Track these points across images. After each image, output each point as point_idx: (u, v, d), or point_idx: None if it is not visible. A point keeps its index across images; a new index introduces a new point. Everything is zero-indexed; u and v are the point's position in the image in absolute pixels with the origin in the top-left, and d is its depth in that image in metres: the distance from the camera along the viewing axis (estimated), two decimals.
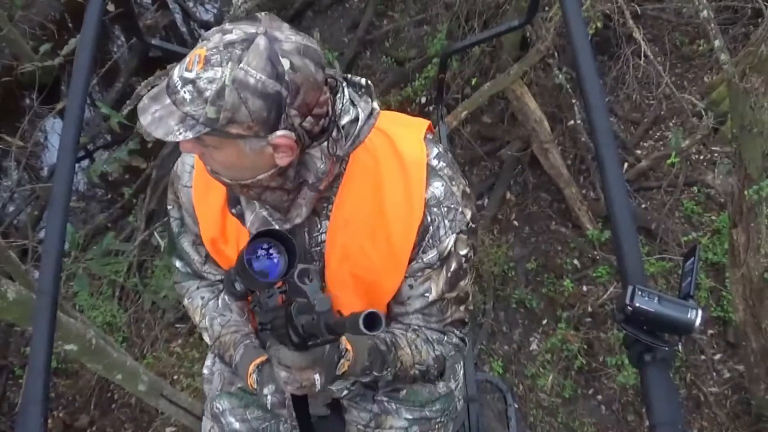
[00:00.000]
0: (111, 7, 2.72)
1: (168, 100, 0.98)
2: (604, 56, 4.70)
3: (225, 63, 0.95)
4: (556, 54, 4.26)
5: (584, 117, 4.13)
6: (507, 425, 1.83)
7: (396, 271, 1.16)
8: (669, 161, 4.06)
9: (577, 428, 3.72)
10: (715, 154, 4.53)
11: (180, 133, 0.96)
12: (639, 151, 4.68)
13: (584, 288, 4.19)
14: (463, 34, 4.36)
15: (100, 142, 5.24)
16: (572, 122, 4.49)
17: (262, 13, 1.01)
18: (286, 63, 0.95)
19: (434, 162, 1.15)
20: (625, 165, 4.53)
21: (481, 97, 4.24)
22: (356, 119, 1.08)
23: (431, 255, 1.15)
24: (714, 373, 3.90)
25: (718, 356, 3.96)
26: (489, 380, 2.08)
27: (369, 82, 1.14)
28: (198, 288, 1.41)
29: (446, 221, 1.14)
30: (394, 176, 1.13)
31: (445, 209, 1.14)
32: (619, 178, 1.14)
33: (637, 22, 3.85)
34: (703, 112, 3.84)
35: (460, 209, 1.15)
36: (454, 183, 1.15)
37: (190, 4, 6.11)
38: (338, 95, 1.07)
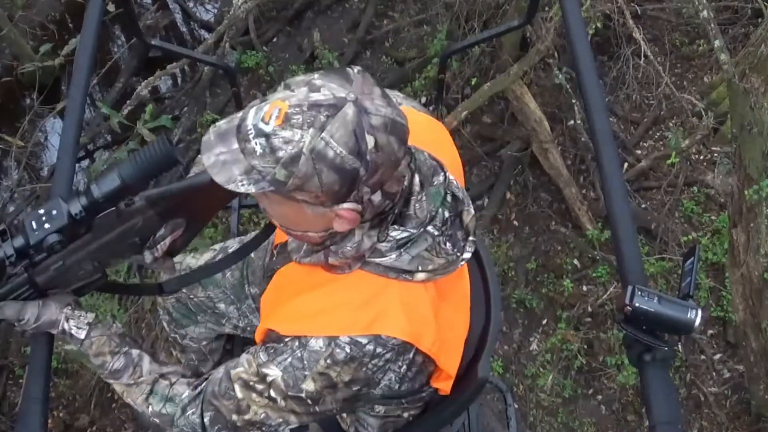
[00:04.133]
0: (111, 7, 2.71)
1: (236, 145, 0.92)
2: (604, 56, 4.70)
3: (306, 127, 0.89)
4: (556, 54, 4.26)
5: (584, 117, 4.13)
6: (507, 425, 1.82)
7: (259, 330, 1.12)
8: (669, 161, 4.06)
9: (576, 428, 3.72)
10: (715, 154, 4.52)
11: (242, 185, 0.92)
12: (639, 151, 4.68)
13: (584, 288, 4.19)
14: (463, 34, 4.36)
15: (100, 142, 5.23)
16: (572, 122, 4.49)
17: (356, 70, 0.94)
18: (370, 141, 0.90)
19: (341, 348, 1.01)
20: (625, 165, 4.53)
21: (481, 97, 4.23)
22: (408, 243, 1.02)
23: (262, 355, 1.05)
24: (714, 373, 3.91)
25: (717, 356, 3.96)
26: (489, 380, 2.07)
27: (471, 240, 1.07)
28: None
29: (290, 360, 1.03)
30: (324, 301, 1.05)
31: (298, 355, 1.02)
32: (619, 178, 1.15)
33: (637, 22, 3.86)
34: (703, 112, 3.84)
35: (307, 374, 1.02)
36: (330, 366, 1.02)
37: (190, 4, 6.10)
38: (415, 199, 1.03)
